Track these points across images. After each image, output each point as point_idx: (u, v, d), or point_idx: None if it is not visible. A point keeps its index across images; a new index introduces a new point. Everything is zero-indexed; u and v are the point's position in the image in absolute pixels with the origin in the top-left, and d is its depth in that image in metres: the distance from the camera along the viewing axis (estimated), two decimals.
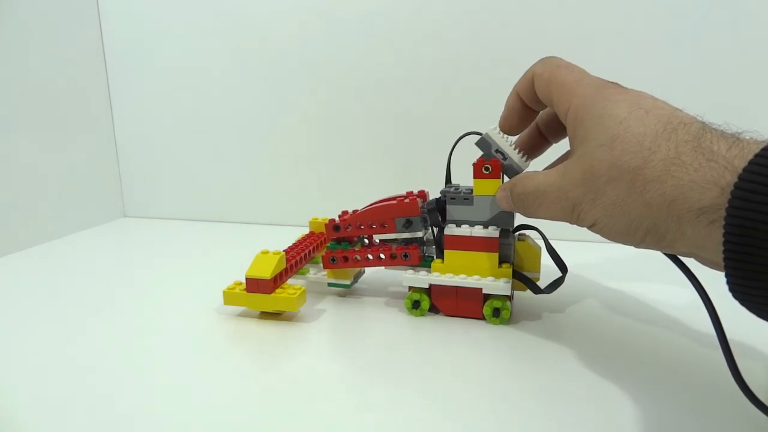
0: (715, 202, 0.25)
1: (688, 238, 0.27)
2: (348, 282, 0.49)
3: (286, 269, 0.47)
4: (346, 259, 0.47)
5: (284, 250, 0.49)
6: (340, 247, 0.47)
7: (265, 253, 0.46)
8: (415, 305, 0.45)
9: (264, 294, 0.44)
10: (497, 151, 0.41)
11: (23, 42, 0.68)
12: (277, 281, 0.45)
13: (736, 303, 0.26)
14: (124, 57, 0.80)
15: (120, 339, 0.42)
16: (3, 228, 0.66)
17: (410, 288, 0.45)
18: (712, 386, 0.34)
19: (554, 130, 0.41)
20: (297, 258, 0.49)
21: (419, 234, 0.45)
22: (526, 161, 0.42)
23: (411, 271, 0.45)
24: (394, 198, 0.47)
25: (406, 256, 0.45)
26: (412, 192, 0.48)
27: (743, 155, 0.25)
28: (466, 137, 0.44)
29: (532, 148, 0.43)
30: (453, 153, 0.45)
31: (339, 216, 0.49)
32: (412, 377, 0.36)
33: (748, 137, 0.27)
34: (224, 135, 0.79)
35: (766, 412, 0.28)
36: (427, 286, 0.44)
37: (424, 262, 0.45)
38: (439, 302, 0.45)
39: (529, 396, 0.34)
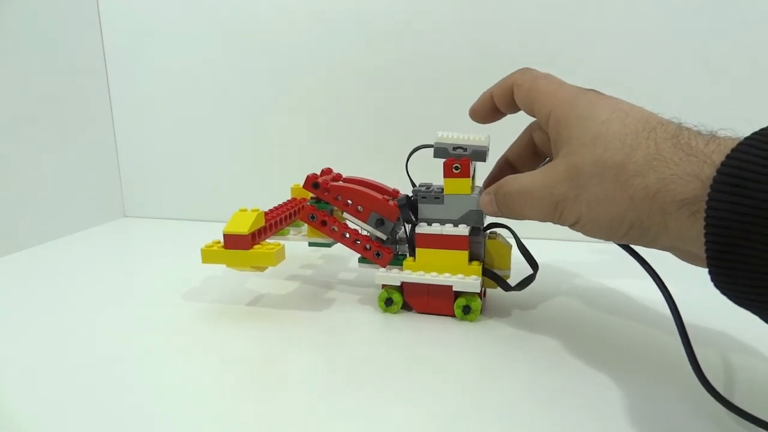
0: (697, 194, 0.28)
1: (671, 230, 0.30)
2: (330, 241, 0.53)
3: (265, 227, 0.50)
4: (324, 223, 0.50)
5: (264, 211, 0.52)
6: (322, 209, 0.51)
7: (243, 210, 0.50)
8: (388, 303, 0.49)
9: (242, 250, 0.48)
10: (455, 148, 0.45)
11: (23, 42, 0.72)
12: (255, 237, 0.49)
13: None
14: (124, 57, 0.85)
15: (120, 339, 0.45)
16: (3, 228, 0.70)
17: (383, 286, 0.49)
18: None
19: (507, 103, 0.43)
20: (277, 218, 0.52)
21: (382, 237, 0.50)
22: (485, 139, 0.46)
23: (383, 269, 0.49)
24: (383, 190, 0.52)
25: (378, 254, 0.49)
26: (398, 192, 0.52)
27: (720, 150, 0.28)
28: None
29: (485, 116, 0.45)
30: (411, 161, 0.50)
31: (322, 171, 0.53)
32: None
33: (723, 135, 0.30)
34: (224, 135, 0.84)
35: (716, 397, 0.32)
36: (398, 284, 0.48)
37: (397, 260, 0.49)
38: (412, 300, 0.49)
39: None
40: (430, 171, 0.49)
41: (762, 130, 0.27)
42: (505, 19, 0.69)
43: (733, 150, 0.27)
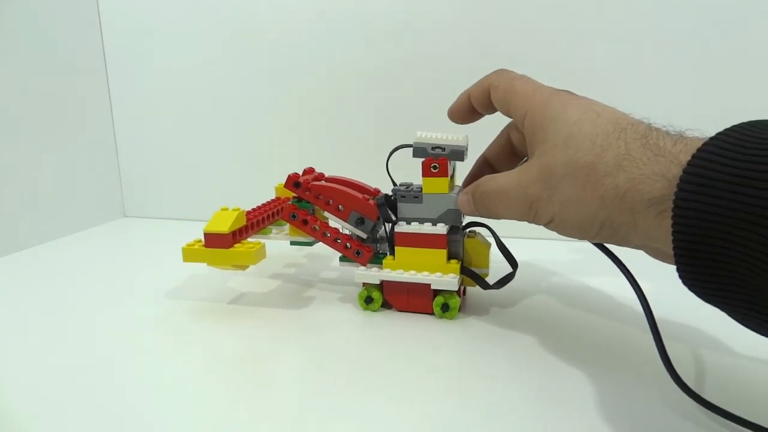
0: (664, 193, 0.29)
1: (641, 229, 0.32)
2: (311, 240, 0.55)
3: (246, 226, 0.52)
4: (305, 222, 0.52)
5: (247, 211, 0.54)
6: (303, 208, 0.52)
7: (224, 209, 0.52)
8: (368, 301, 0.50)
9: (222, 249, 0.49)
10: (434, 148, 0.46)
11: (23, 42, 0.74)
12: (236, 236, 0.50)
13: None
14: (124, 57, 0.88)
15: (120, 339, 0.47)
16: (3, 228, 0.72)
17: (363, 284, 0.51)
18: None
19: (484, 104, 0.44)
20: (259, 217, 0.54)
21: (363, 235, 0.51)
22: (463, 139, 0.47)
23: (363, 268, 0.50)
24: (364, 189, 0.53)
25: (358, 253, 0.50)
26: (379, 191, 0.53)
27: (687, 150, 0.29)
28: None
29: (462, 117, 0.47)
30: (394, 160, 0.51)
31: (304, 171, 0.54)
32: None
33: (690, 135, 0.31)
34: (224, 135, 0.86)
35: (687, 391, 0.34)
36: (378, 282, 0.50)
37: (377, 259, 0.51)
38: (391, 298, 0.50)
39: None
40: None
41: (726, 130, 0.28)
42: (505, 19, 0.70)
43: (698, 150, 0.28)
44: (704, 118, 0.34)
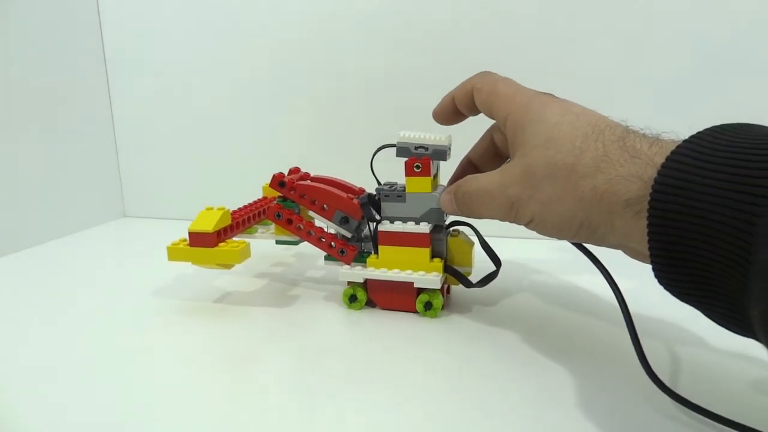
0: (640, 194, 0.30)
1: (618, 229, 0.33)
2: (296, 239, 0.56)
3: (231, 225, 0.53)
4: (290, 221, 0.53)
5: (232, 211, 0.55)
6: (289, 208, 0.53)
7: (209, 209, 0.53)
8: (352, 299, 0.51)
9: (207, 248, 0.50)
10: (417, 147, 0.47)
11: (23, 42, 0.76)
12: (220, 235, 0.51)
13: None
14: (124, 57, 0.89)
15: (120, 338, 0.47)
16: (3, 228, 0.73)
17: (348, 283, 0.52)
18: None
19: (468, 106, 0.45)
20: (244, 217, 0.55)
21: (347, 234, 0.52)
22: (446, 139, 0.48)
23: (348, 267, 0.51)
24: (349, 189, 0.54)
25: (342, 252, 0.51)
26: (364, 191, 0.54)
27: (662, 152, 0.30)
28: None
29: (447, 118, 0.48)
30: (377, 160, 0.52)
31: (290, 170, 0.55)
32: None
33: (666, 138, 0.32)
34: (224, 135, 0.87)
35: (662, 388, 0.35)
36: (362, 281, 0.51)
37: (361, 258, 0.51)
38: (376, 296, 0.51)
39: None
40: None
41: (699, 133, 0.29)
42: (505, 20, 0.71)
43: (671, 152, 0.29)
44: (699, 119, 0.34)
